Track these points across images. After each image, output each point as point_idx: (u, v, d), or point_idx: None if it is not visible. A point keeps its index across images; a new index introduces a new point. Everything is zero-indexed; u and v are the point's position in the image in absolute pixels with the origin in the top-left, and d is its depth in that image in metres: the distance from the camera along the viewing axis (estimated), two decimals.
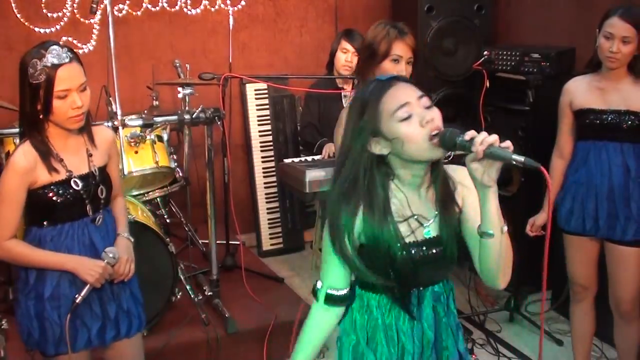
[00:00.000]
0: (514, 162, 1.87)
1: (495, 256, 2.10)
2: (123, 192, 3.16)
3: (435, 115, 2.04)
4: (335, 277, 2.27)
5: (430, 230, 2.19)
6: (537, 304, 4.92)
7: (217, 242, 4.43)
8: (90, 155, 2.85)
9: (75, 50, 2.72)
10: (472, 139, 1.92)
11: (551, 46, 4.94)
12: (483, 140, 1.90)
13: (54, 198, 2.74)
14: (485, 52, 5.04)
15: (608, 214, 3.52)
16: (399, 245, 2.12)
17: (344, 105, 4.97)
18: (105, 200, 2.91)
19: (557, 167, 3.74)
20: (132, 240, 3.03)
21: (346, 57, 4.96)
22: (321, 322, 2.34)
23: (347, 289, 2.29)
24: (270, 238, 6.01)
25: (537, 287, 4.91)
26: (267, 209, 5.98)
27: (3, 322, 3.90)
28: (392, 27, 3.29)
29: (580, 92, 3.58)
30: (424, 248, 2.17)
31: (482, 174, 1.96)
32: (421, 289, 2.25)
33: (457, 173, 2.22)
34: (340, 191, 2.13)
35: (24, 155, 2.69)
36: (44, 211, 2.77)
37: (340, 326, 2.38)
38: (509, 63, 4.94)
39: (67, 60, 2.63)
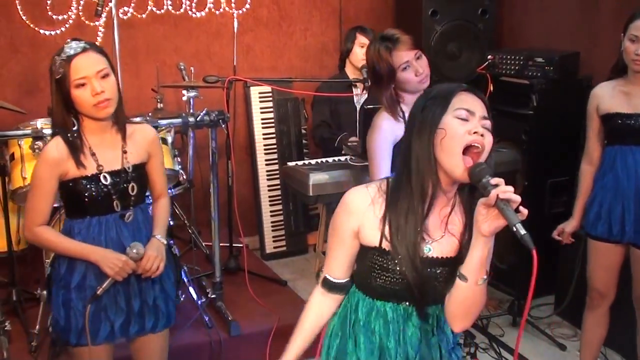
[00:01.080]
0: (514, 229, 1.87)
1: (461, 299, 2.12)
2: (166, 193, 3.17)
3: (486, 136, 2.04)
4: (336, 265, 2.30)
5: (432, 248, 2.16)
6: (541, 308, 4.92)
7: (221, 244, 4.43)
8: (124, 152, 2.88)
9: (87, 43, 2.77)
10: (495, 185, 1.92)
11: (555, 50, 4.94)
12: (502, 189, 1.90)
13: (83, 192, 2.80)
14: (489, 56, 5.04)
15: (635, 219, 3.50)
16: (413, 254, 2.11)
17: (356, 105, 4.98)
18: (137, 197, 2.93)
19: (586, 173, 3.72)
20: (165, 243, 3.03)
21: (364, 52, 4.97)
22: (317, 305, 2.39)
23: (345, 279, 2.32)
24: (274, 241, 6.01)
25: (540, 292, 4.91)
26: (271, 211, 5.98)
27: (6, 324, 3.90)
28: (380, 43, 3.30)
29: (607, 96, 3.56)
30: (423, 265, 2.13)
31: (484, 221, 1.97)
32: (407, 304, 2.23)
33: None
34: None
35: (55, 147, 2.78)
36: (74, 203, 2.86)
37: (334, 316, 2.40)
38: (512, 67, 4.94)
39: (80, 50, 2.70)
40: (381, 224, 2.13)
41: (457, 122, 2.02)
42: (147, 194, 3.08)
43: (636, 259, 3.60)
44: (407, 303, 2.22)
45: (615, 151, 3.55)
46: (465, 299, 2.11)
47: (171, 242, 3.13)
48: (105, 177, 2.82)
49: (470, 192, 2.13)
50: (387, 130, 3.30)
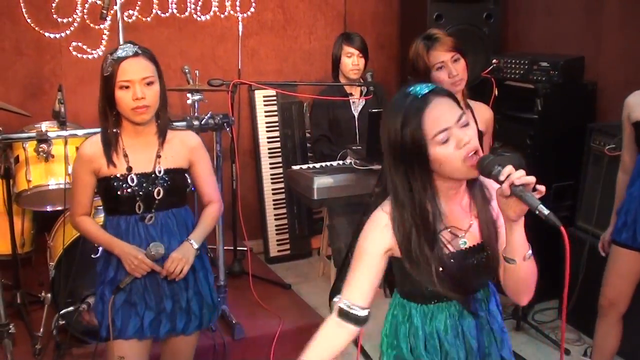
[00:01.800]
0: (537, 212, 1.89)
1: (516, 279, 2.16)
2: (217, 198, 3.21)
3: (472, 134, 2.04)
4: (357, 290, 2.17)
5: (467, 240, 2.19)
6: (544, 312, 4.91)
7: (225, 248, 4.43)
8: (158, 156, 2.96)
9: (140, 49, 2.88)
10: (507, 176, 1.94)
11: (560, 55, 4.94)
12: (513, 178, 1.93)
13: (112, 190, 2.91)
14: (494, 61, 5.03)
15: None
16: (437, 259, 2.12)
17: (353, 112, 4.98)
18: (162, 202, 2.97)
19: (621, 182, 3.70)
20: (196, 247, 3.03)
21: (352, 61, 4.98)
22: (332, 336, 2.23)
23: (365, 310, 2.17)
24: (278, 244, 6.01)
25: (544, 296, 4.90)
26: (275, 215, 5.98)
27: (10, 327, 3.90)
28: (421, 40, 3.34)
29: (638, 104, 3.53)
30: (463, 258, 2.17)
31: (508, 209, 1.99)
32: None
33: (494, 185, 2.15)
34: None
35: (90, 145, 2.94)
36: (107, 200, 3.01)
37: (383, 334, 2.38)
38: (517, 71, 4.94)
39: (131, 54, 2.82)
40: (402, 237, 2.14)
41: (443, 148, 2.02)
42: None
43: None
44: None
45: None
46: (520, 277, 2.16)
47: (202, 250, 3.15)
48: (132, 179, 2.91)
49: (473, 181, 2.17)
50: None
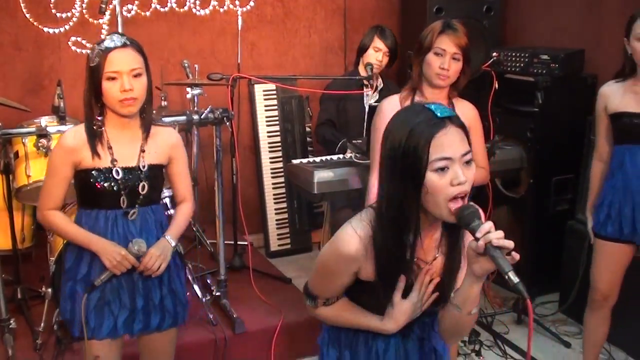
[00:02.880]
0: (506, 277, 1.84)
1: (453, 324, 2.17)
2: (190, 197, 3.19)
3: (470, 176, 1.98)
4: (332, 293, 2.29)
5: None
6: (545, 305, 4.91)
7: (225, 242, 4.43)
8: (142, 151, 2.91)
9: (128, 40, 2.82)
10: (484, 235, 1.89)
11: (560, 48, 4.93)
12: (489, 236, 1.88)
13: (93, 182, 2.83)
14: (494, 54, 5.02)
15: None
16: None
17: (365, 105, 4.96)
18: (146, 197, 2.93)
19: (597, 171, 3.73)
20: (173, 245, 3.02)
21: (377, 57, 4.95)
22: (338, 306, 2.33)
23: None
24: (278, 239, 6.01)
25: (545, 289, 4.91)
26: (275, 209, 5.98)
27: (11, 322, 3.91)
28: (442, 22, 3.38)
29: (615, 95, 3.55)
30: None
31: (476, 264, 1.96)
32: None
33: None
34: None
35: (73, 135, 2.84)
36: (85, 194, 2.90)
37: (321, 341, 2.44)
38: (517, 64, 4.94)
39: (119, 44, 2.75)
40: (374, 259, 2.13)
41: (437, 176, 1.95)
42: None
43: None
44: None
45: (624, 150, 3.53)
46: (457, 324, 2.17)
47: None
48: (117, 172, 2.84)
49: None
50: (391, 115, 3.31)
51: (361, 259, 2.12)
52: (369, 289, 2.18)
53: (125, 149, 2.88)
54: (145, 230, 2.95)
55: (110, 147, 2.84)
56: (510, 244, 1.86)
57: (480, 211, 1.99)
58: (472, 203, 1.99)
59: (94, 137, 2.82)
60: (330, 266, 2.22)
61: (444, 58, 3.31)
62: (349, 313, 2.30)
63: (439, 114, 1.98)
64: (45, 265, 4.24)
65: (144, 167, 2.90)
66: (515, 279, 1.83)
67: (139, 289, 2.94)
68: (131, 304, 2.93)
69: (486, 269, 1.94)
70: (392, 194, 2.05)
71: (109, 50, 2.73)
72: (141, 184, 2.89)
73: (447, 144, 1.96)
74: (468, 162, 1.99)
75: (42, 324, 3.95)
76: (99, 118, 2.84)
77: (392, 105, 3.37)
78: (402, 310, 2.18)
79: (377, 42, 4.96)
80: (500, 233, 1.88)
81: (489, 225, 1.90)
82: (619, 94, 3.53)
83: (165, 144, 2.98)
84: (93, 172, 2.82)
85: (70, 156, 2.81)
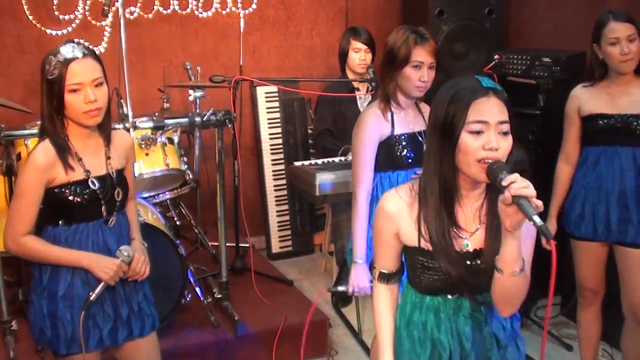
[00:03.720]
0: (532, 222, 1.90)
1: (502, 289, 2.16)
2: (135, 196, 3.19)
3: (503, 146, 2.06)
4: (386, 261, 2.39)
5: (470, 243, 2.22)
6: (547, 309, 4.90)
7: (227, 244, 4.43)
8: (108, 158, 2.87)
9: (86, 49, 2.75)
10: (509, 184, 1.95)
11: (562, 50, 4.93)
12: (512, 185, 1.93)
13: (71, 197, 2.76)
14: (496, 56, 5.03)
15: (619, 218, 3.51)
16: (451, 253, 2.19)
17: (360, 108, 4.96)
18: (121, 203, 2.93)
19: (564, 173, 3.73)
20: (146, 245, 3.05)
21: (359, 56, 4.97)
22: (386, 297, 2.44)
23: (398, 267, 2.41)
24: (280, 241, 6.01)
25: (546, 292, 4.89)
26: (277, 211, 5.98)
27: (12, 324, 3.91)
28: (411, 32, 3.27)
29: (589, 97, 3.57)
30: (462, 259, 2.21)
31: (507, 217, 1.99)
32: (458, 296, 2.29)
33: None
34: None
35: (44, 152, 2.72)
36: (60, 210, 2.79)
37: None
38: (519, 67, 4.93)
39: (79, 55, 2.68)
40: (416, 224, 2.21)
41: (471, 137, 2.05)
42: None
43: (624, 260, 3.60)
44: (457, 295, 2.28)
45: (600, 151, 3.55)
46: (504, 288, 2.16)
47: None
48: (93, 182, 2.79)
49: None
50: (373, 127, 3.31)
51: (398, 217, 2.24)
52: (414, 255, 2.26)
53: (93, 158, 2.83)
54: (120, 237, 2.93)
55: (80, 159, 2.78)
56: (531, 192, 1.92)
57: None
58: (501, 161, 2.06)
59: (64, 150, 2.75)
60: (375, 225, 2.34)
61: (422, 71, 3.24)
62: (382, 310, 2.44)
63: (485, 84, 2.09)
64: None
65: (113, 173, 2.87)
66: (539, 222, 1.89)
67: (121, 297, 2.92)
68: (114, 313, 2.90)
69: (516, 220, 1.98)
70: (433, 152, 2.15)
71: (68, 61, 2.65)
72: (116, 191, 2.88)
73: (486, 109, 2.06)
74: (505, 133, 2.07)
75: None
76: (64, 135, 2.76)
77: (372, 116, 3.33)
78: None
79: (354, 43, 4.99)
80: (526, 182, 1.94)
81: (514, 175, 1.96)
82: (593, 96, 3.56)
83: (122, 146, 2.96)
84: (69, 186, 2.76)
85: (44, 175, 2.71)
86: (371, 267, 2.46)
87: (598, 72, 3.53)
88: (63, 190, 2.75)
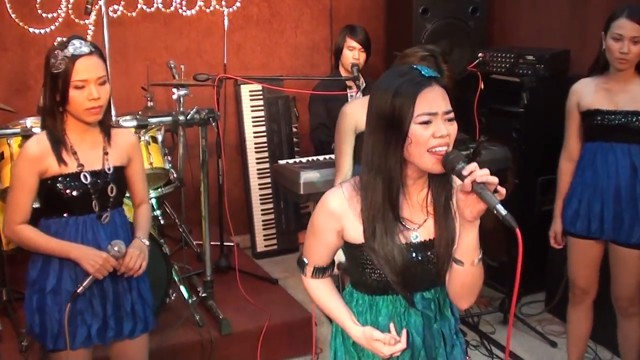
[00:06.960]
0: (495, 212, 1.90)
1: (461, 282, 2.18)
2: (146, 199, 3.19)
3: (451, 132, 2.08)
4: (321, 257, 2.39)
5: (419, 234, 2.22)
6: (532, 305, 4.93)
7: (211, 243, 4.42)
8: (106, 153, 2.89)
9: (93, 46, 2.78)
10: (470, 173, 1.95)
11: (545, 48, 4.95)
12: (476, 173, 1.93)
13: (62, 190, 2.79)
14: (480, 54, 5.04)
15: (614, 216, 3.51)
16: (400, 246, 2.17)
17: None
18: (115, 200, 2.93)
19: (566, 170, 3.73)
20: (148, 245, 3.03)
21: (353, 55, 4.97)
22: (322, 285, 2.43)
23: (330, 262, 2.42)
24: (265, 239, 6.00)
25: (531, 289, 4.92)
26: (262, 210, 5.97)
27: None
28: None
29: (588, 93, 3.56)
30: (410, 252, 2.20)
31: (465, 207, 2.00)
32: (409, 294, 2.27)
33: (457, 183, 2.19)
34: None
35: (37, 143, 2.79)
36: (51, 202, 2.84)
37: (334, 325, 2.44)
38: (503, 65, 4.95)
39: (87, 52, 2.71)
40: (361, 221, 2.18)
41: (421, 128, 2.05)
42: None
43: (615, 257, 3.62)
44: (407, 292, 2.26)
45: (596, 148, 3.55)
46: (465, 280, 2.17)
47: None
48: (85, 176, 2.82)
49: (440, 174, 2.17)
50: (350, 117, 3.44)
51: (342, 215, 2.22)
52: (360, 253, 2.22)
53: (89, 153, 2.85)
54: (115, 234, 2.93)
55: (75, 153, 2.82)
56: (494, 179, 1.93)
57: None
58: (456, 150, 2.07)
59: (58, 143, 2.79)
60: (314, 222, 2.34)
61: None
62: (328, 296, 2.40)
63: (426, 73, 2.09)
64: None
65: (109, 169, 2.89)
66: (503, 211, 1.88)
67: (108, 295, 2.91)
68: (103, 311, 2.90)
69: (477, 210, 1.98)
70: (376, 146, 2.13)
71: (76, 57, 2.69)
72: (110, 187, 2.89)
73: (431, 99, 2.06)
74: (450, 120, 2.09)
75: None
76: (62, 128, 2.80)
77: (351, 107, 3.47)
78: (366, 336, 2.25)
79: (350, 42, 4.99)
80: (486, 170, 1.94)
81: (474, 164, 1.97)
82: (592, 91, 3.55)
83: (125, 145, 2.97)
84: (60, 178, 2.79)
85: (36, 165, 2.77)
86: (300, 264, 2.43)
87: (602, 61, 3.51)
88: (55, 182, 2.79)
